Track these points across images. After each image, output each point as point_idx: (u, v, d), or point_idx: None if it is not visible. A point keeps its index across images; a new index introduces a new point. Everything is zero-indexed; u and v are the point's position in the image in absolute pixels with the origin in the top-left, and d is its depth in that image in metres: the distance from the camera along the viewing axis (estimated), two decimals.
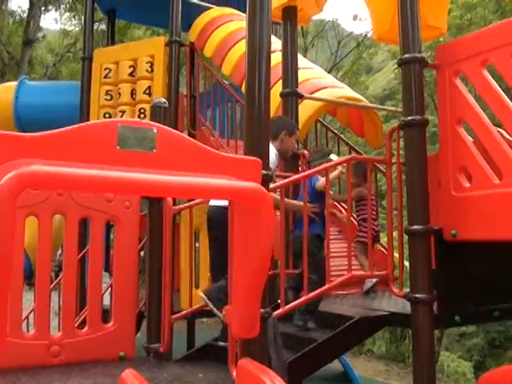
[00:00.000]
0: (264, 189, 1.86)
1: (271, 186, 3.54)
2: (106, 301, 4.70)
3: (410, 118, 3.53)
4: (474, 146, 3.38)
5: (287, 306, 3.78)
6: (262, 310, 2.48)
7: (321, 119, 7.88)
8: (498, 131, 3.35)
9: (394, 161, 4.11)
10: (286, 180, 4.02)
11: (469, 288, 3.79)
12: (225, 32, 7.19)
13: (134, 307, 4.03)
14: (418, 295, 3.49)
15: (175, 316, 3.99)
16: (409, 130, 3.57)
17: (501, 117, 3.24)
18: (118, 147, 1.72)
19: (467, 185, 3.42)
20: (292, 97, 4.88)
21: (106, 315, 4.04)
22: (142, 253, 5.20)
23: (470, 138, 3.47)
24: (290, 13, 4.92)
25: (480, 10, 15.12)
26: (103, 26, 15.85)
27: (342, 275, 4.08)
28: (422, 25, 4.46)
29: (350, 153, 6.64)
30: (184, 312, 4.26)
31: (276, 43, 6.02)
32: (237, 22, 7.14)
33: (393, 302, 4.55)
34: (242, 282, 1.94)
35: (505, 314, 4.16)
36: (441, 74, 3.59)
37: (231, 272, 2.27)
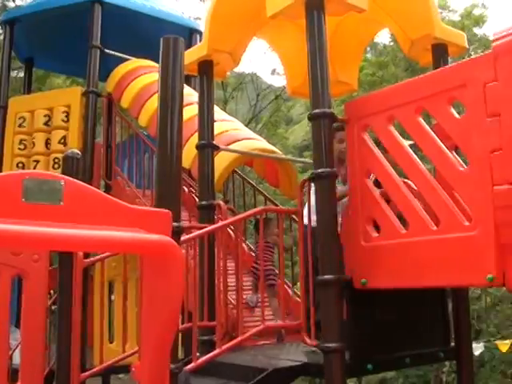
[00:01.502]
0: (174, 242, 1.86)
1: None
2: (17, 359, 4.48)
3: (320, 170, 3.64)
4: (382, 198, 3.51)
5: (199, 360, 3.73)
6: (172, 366, 2.44)
7: (239, 170, 7.99)
8: (405, 182, 3.50)
9: None
10: (200, 231, 4.03)
11: (380, 336, 3.87)
12: (141, 84, 7.25)
13: (42, 366, 3.86)
14: (329, 345, 3.52)
15: (85, 374, 3.84)
16: (319, 181, 3.67)
17: (406, 170, 3.40)
18: (23, 200, 1.69)
19: (375, 235, 3.53)
20: (208, 148, 4.93)
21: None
22: (53, 307, 5.03)
23: (377, 190, 3.61)
24: (205, 67, 5.01)
25: (391, 68, 15.93)
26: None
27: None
28: (332, 81, 4.68)
29: (265, 203, 6.76)
30: (95, 369, 4.12)
31: (193, 96, 6.11)
32: (154, 74, 7.22)
33: (306, 352, 4.57)
34: (150, 337, 1.91)
35: (415, 360, 4.27)
36: (350, 128, 3.74)
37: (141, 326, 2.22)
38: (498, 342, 9.99)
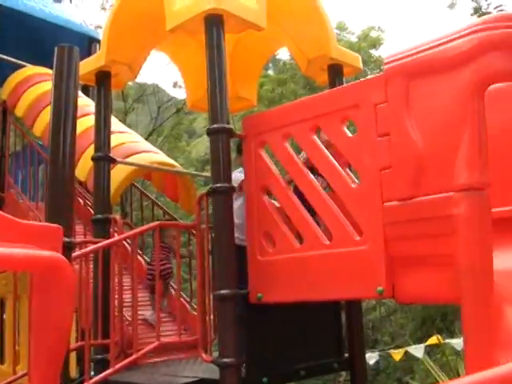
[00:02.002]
0: (64, 258, 1.79)
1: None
2: None
3: (217, 185, 3.65)
4: (277, 213, 3.57)
5: (92, 380, 3.61)
6: None
7: (138, 184, 7.87)
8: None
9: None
10: (93, 246, 3.92)
11: (276, 349, 3.92)
12: (37, 92, 7.00)
13: None
14: (225, 360, 3.53)
15: None
16: (216, 196, 3.69)
17: (300, 185, 3.48)
18: None
19: (271, 249, 3.58)
20: (104, 161, 4.82)
21: None
22: None
23: (277, 204, 3.66)
24: (103, 77, 4.90)
25: (291, 85, 16.30)
26: None
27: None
28: (232, 96, 4.72)
29: (164, 217, 6.70)
30: None
31: (90, 106, 5.97)
32: (51, 82, 6.99)
33: (203, 368, 4.54)
34: (39, 357, 1.84)
35: (310, 372, 4.36)
36: (247, 144, 3.78)
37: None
38: (391, 351, 10.32)
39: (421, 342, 9.99)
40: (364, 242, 3.07)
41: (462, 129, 2.69)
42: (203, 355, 3.91)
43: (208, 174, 5.13)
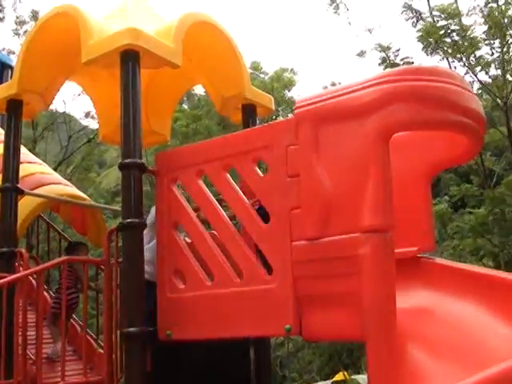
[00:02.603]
0: None
1: None
2: None
3: (128, 220, 3.62)
4: (188, 250, 3.57)
5: None
6: None
7: (45, 215, 7.63)
8: (212, 234, 3.60)
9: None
10: None
11: None
12: None
13: None
14: None
15: None
16: (126, 231, 3.65)
17: (212, 223, 3.51)
18: None
19: (182, 286, 3.57)
20: (12, 192, 4.66)
21: None
22: None
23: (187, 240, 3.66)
24: (14, 106, 4.77)
25: (205, 121, 16.43)
26: None
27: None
28: (145, 130, 4.72)
29: None
30: None
31: (0, 135, 5.77)
32: None
33: None
34: None
35: None
36: (159, 180, 3.78)
37: None
38: None
39: (328, 378, 10.18)
40: (273, 280, 3.13)
41: (368, 174, 2.82)
42: None
43: (118, 207, 5.07)
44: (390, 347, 2.74)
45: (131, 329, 3.53)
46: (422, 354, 2.83)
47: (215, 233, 3.62)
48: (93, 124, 21.83)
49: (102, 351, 5.55)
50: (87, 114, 21.89)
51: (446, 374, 2.64)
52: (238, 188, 3.41)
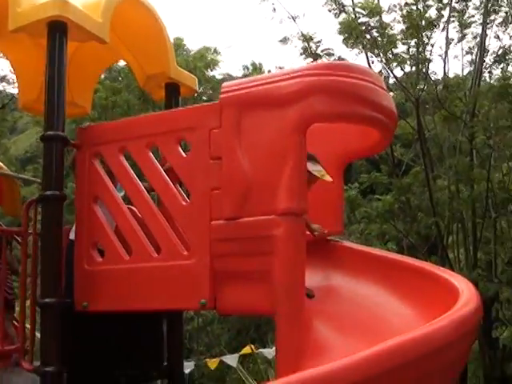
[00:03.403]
0: None
1: None
2: None
3: (48, 192, 3.63)
4: (107, 223, 3.64)
5: None
6: None
7: None
8: (131, 209, 3.68)
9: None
10: None
11: (98, 357, 3.97)
12: None
13: None
14: (47, 368, 3.51)
15: None
16: (46, 203, 3.67)
17: (133, 199, 3.59)
18: None
19: (99, 259, 3.64)
20: None
21: None
22: None
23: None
24: None
25: (125, 94, 16.18)
26: None
27: None
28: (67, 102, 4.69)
29: None
30: None
31: None
32: None
33: (24, 377, 4.41)
34: None
35: (130, 380, 4.45)
36: (81, 154, 3.80)
37: None
38: (207, 360, 10.62)
39: (235, 352, 10.44)
40: (191, 256, 3.27)
41: (285, 160, 3.01)
42: (24, 364, 3.85)
43: (35, 179, 5.03)
44: (297, 321, 2.96)
45: (47, 299, 3.58)
46: (326, 328, 3.08)
47: (134, 208, 3.71)
48: (8, 89, 20.94)
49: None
50: (2, 79, 20.98)
51: (348, 345, 2.89)
52: (160, 166, 3.50)
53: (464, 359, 3.07)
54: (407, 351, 2.42)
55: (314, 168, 3.44)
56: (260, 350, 9.87)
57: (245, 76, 24.28)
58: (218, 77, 21.96)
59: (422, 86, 11.89)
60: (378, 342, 2.51)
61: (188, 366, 9.44)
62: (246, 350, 9.72)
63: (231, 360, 9.56)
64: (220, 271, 3.20)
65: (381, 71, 12.31)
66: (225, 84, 3.33)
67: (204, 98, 18.70)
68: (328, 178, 3.46)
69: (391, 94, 14.18)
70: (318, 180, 3.49)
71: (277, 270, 2.97)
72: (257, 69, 27.90)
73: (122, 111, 14.06)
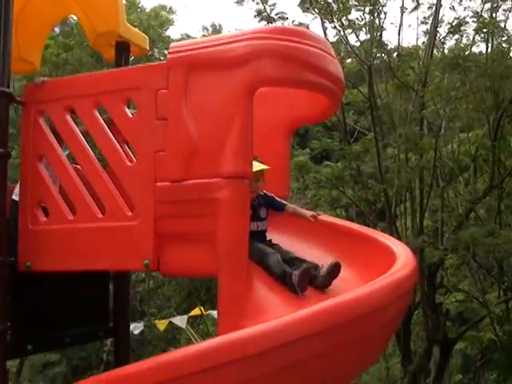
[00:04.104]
0: None
1: None
2: None
3: None
4: (52, 183, 3.60)
5: None
6: None
7: None
8: (76, 168, 3.64)
9: None
10: None
11: (42, 317, 3.95)
12: None
13: None
14: None
15: None
16: None
17: (78, 158, 3.55)
18: None
19: (44, 219, 3.60)
20: None
21: None
22: None
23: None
24: None
25: (77, 52, 15.71)
26: None
27: None
28: (14, 57, 4.55)
29: None
30: None
31: None
32: None
33: None
34: None
35: (76, 339, 4.48)
36: (26, 111, 3.72)
37: None
38: (156, 322, 10.66)
39: (185, 313, 10.50)
40: (135, 217, 3.27)
41: (231, 124, 3.02)
42: None
43: None
44: (239, 283, 3.01)
45: None
46: (267, 290, 3.14)
47: (79, 167, 3.66)
48: None
49: None
50: None
51: (286, 307, 2.97)
52: (105, 126, 3.46)
53: (399, 318, 3.20)
54: (343, 312, 2.52)
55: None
56: (210, 311, 9.95)
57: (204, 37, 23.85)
58: (176, 37, 21.60)
59: (375, 54, 11.93)
60: (315, 304, 2.60)
61: (138, 327, 9.46)
62: (196, 311, 9.79)
63: (180, 321, 9.61)
64: (164, 233, 3.21)
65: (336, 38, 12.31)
66: (173, 44, 3.29)
67: (162, 58, 18.40)
68: (265, 167, 3.50)
69: (348, 60, 14.27)
70: (263, 173, 3.51)
71: (220, 232, 3.01)
72: (216, 30, 27.55)
73: (73, 69, 13.67)
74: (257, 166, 3.37)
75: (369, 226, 11.27)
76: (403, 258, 2.98)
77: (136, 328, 9.38)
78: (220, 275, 3.00)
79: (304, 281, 3.11)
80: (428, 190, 12.42)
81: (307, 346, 2.43)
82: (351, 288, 2.91)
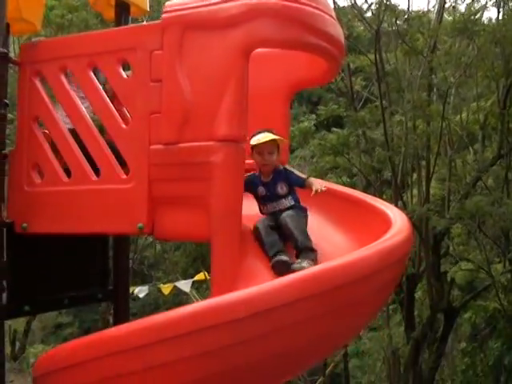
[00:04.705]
0: None
1: None
2: None
3: None
4: (47, 145, 3.57)
5: None
6: None
7: None
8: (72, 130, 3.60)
9: None
10: None
11: (39, 278, 3.97)
12: None
13: None
14: None
15: None
16: None
17: (72, 120, 3.50)
18: None
19: (39, 181, 3.58)
20: None
21: None
22: None
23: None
24: None
25: (83, 13, 15.55)
26: None
27: None
28: (14, 17, 4.50)
29: None
30: None
31: None
32: None
33: None
34: None
35: (74, 301, 4.52)
36: (22, 71, 3.67)
37: None
38: (161, 286, 10.74)
39: (190, 278, 10.58)
40: (129, 180, 3.24)
41: (226, 86, 2.96)
42: None
43: None
44: (232, 248, 3.00)
45: None
46: (260, 254, 3.12)
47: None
48: None
49: None
50: None
51: None
52: (100, 87, 3.41)
53: (393, 285, 3.18)
54: (334, 277, 2.50)
55: (261, 136, 3.32)
56: None
57: None
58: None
59: (382, 17, 11.67)
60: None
61: (142, 291, 9.57)
62: (200, 276, 9.85)
63: (184, 285, 9.70)
64: (158, 196, 3.19)
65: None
66: (168, 3, 3.21)
67: None
68: (277, 137, 3.35)
69: (361, 28, 13.99)
70: (277, 144, 3.34)
71: (214, 196, 2.98)
72: None
73: (78, 31, 13.52)
74: (268, 137, 3.27)
75: (375, 194, 11.23)
76: (398, 224, 2.94)
77: (141, 291, 9.48)
78: (213, 239, 2.98)
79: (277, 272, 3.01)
80: (434, 157, 12.30)
81: (297, 310, 2.41)
82: (342, 254, 2.88)
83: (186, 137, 3.05)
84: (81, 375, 2.52)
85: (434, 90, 12.62)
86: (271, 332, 2.42)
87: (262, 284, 2.56)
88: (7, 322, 13.61)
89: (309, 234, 3.20)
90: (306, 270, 2.69)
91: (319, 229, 3.38)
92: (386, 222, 3.07)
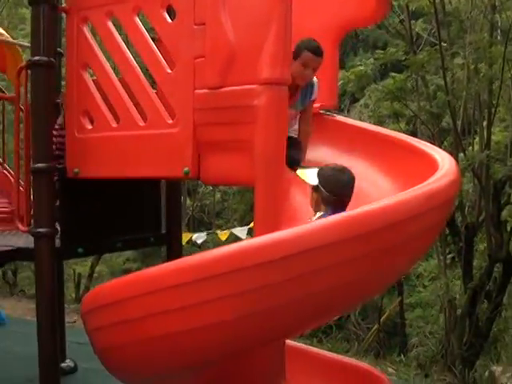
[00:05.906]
0: None
1: None
2: None
3: (36, 58, 3.60)
4: (97, 91, 3.62)
5: None
6: None
7: None
8: (119, 79, 3.64)
9: None
10: None
11: (92, 222, 4.10)
12: None
13: None
14: (40, 230, 3.66)
15: None
16: (35, 69, 3.64)
17: (120, 66, 3.54)
18: None
19: (89, 127, 3.66)
20: None
21: None
22: None
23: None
24: None
25: None
26: None
27: None
28: None
29: None
30: None
31: None
32: None
33: (22, 238, 4.61)
34: None
35: (127, 245, 4.68)
36: (70, 19, 3.71)
37: None
38: (218, 232, 10.91)
39: (247, 225, 10.70)
40: (175, 125, 3.26)
41: (269, 26, 2.90)
42: (19, 225, 4.00)
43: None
44: (275, 190, 3.00)
45: (40, 164, 3.66)
46: (303, 198, 3.12)
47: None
48: None
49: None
50: None
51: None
52: (146, 32, 3.41)
53: (436, 229, 3.12)
54: (371, 220, 2.48)
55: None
56: None
57: None
58: None
59: None
60: None
61: (200, 237, 9.79)
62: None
63: (240, 232, 9.83)
64: (203, 140, 3.21)
65: None
66: None
67: None
68: None
69: None
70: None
71: (257, 139, 2.97)
72: None
73: None
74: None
75: (433, 141, 10.93)
76: (444, 169, 2.88)
77: (199, 238, 9.70)
78: (256, 183, 2.99)
79: None
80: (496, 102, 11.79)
81: (336, 253, 2.41)
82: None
83: (230, 80, 3.03)
84: (121, 312, 2.60)
85: (498, 30, 12.04)
86: (307, 274, 2.41)
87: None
88: (72, 266, 14.22)
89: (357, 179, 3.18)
90: (354, 211, 2.63)
91: (365, 173, 3.35)
92: (432, 166, 3.01)
